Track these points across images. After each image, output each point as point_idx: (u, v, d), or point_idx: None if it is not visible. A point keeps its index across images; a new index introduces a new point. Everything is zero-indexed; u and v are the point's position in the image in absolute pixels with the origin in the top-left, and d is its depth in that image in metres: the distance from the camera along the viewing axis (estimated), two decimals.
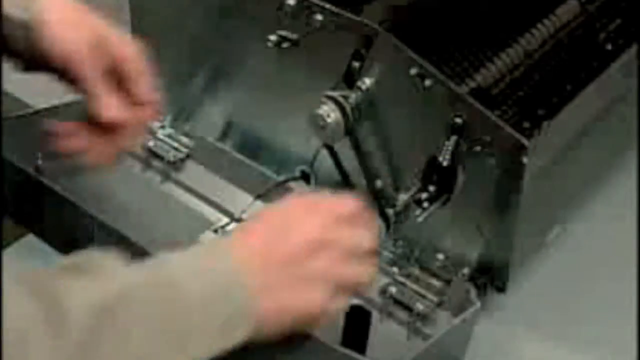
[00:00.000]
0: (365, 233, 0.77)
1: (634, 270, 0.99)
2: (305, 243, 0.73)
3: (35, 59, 0.82)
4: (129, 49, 0.84)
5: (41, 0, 0.82)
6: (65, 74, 0.83)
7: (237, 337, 0.68)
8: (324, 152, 0.98)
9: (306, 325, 0.74)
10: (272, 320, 0.71)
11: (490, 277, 0.93)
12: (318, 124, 0.91)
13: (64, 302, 0.60)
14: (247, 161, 1.03)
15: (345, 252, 0.75)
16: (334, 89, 0.91)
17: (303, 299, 0.73)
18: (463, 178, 0.87)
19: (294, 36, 0.94)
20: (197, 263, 0.69)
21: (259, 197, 1.01)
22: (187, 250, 0.71)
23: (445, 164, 0.86)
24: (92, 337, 0.60)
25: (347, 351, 0.79)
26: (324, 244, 0.73)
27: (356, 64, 0.90)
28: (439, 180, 0.89)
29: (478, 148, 0.86)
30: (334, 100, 0.89)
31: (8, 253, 0.94)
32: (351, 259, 0.75)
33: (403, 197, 0.91)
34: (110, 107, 0.82)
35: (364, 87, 0.90)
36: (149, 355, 0.63)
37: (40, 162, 1.00)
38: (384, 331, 0.91)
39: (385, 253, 0.96)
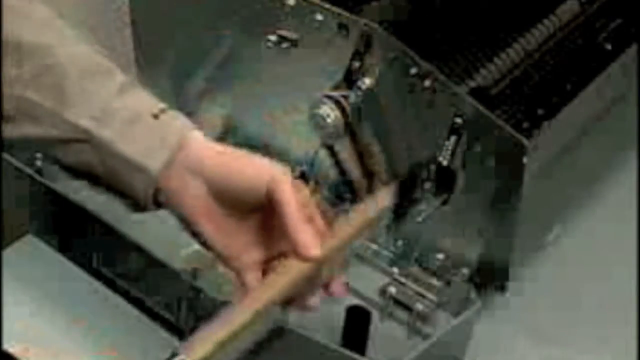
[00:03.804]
0: None
1: (634, 270, 0.99)
2: None
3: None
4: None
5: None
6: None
7: None
8: (324, 152, 0.98)
9: None
10: None
11: (490, 277, 0.93)
12: (318, 124, 0.91)
13: None
14: None
15: None
16: (334, 89, 0.91)
17: None
18: (463, 178, 0.87)
19: (294, 36, 0.94)
20: None
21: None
22: None
23: (445, 164, 0.86)
24: None
25: (347, 351, 0.79)
26: None
27: (356, 64, 0.90)
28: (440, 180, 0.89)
29: (478, 148, 0.86)
30: (334, 100, 0.89)
31: (8, 253, 0.94)
32: None
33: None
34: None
35: (364, 87, 0.90)
36: None
37: (40, 162, 1.00)
38: (384, 331, 0.91)
39: (385, 253, 0.96)
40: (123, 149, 0.74)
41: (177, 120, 0.76)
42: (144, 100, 0.76)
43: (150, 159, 0.74)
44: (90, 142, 0.74)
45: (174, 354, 0.65)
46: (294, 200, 0.72)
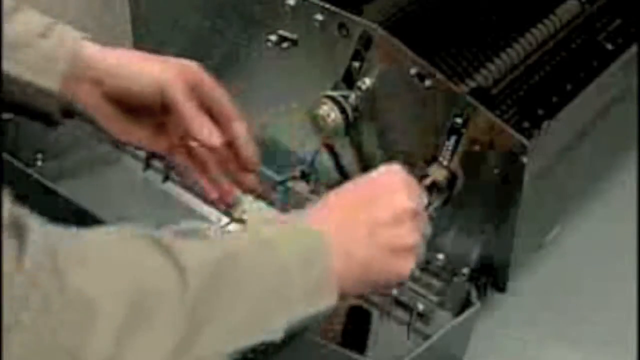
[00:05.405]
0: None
1: (634, 270, 0.99)
2: (392, 212, 0.72)
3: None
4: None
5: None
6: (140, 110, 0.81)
7: (323, 303, 0.68)
8: (324, 152, 0.98)
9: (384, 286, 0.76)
10: (355, 284, 0.71)
11: (490, 277, 0.93)
12: (318, 124, 0.91)
13: (183, 262, 0.61)
14: None
15: (421, 225, 0.75)
16: (334, 89, 0.91)
17: (384, 265, 0.72)
18: (463, 178, 0.87)
19: (294, 36, 0.94)
20: (288, 230, 0.69)
21: (259, 197, 1.01)
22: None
23: (445, 163, 0.86)
24: (206, 295, 0.62)
25: (347, 351, 0.79)
26: (410, 216, 0.73)
27: (356, 64, 0.90)
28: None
29: (478, 148, 0.86)
30: (334, 100, 0.89)
31: None
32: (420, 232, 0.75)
33: None
34: (213, 133, 0.80)
35: (364, 87, 0.90)
36: (255, 313, 0.64)
37: (40, 162, 1.01)
38: (384, 331, 0.91)
39: None
40: (19, 74, 0.77)
41: (65, 34, 0.79)
42: (31, 22, 0.79)
43: (48, 80, 0.78)
44: None
45: None
46: (188, 100, 0.79)
